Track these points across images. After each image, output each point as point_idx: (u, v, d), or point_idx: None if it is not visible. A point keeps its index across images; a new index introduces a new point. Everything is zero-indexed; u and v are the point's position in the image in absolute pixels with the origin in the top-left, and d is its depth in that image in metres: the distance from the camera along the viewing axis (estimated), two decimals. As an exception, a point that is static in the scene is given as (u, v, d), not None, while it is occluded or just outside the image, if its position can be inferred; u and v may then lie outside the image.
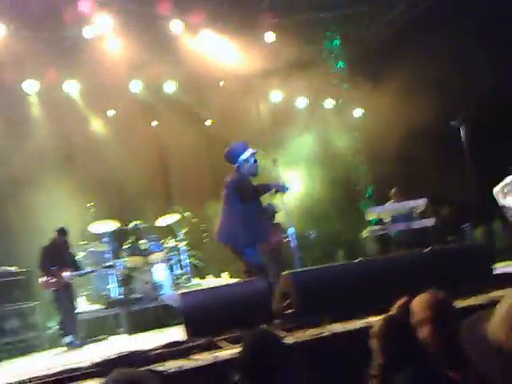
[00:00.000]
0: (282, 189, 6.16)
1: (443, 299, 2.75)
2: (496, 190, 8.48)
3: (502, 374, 1.28)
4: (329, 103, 12.30)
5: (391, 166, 10.95)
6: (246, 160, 6.09)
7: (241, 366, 2.50)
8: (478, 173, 8.76)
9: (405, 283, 4.72)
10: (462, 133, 8.52)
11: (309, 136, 11.48)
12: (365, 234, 9.78)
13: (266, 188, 6.20)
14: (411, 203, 8.81)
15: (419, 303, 2.74)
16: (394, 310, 2.96)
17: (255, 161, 6.13)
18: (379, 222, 9.56)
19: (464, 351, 1.84)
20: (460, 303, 4.22)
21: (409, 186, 9.94)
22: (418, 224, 8.76)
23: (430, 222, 8.84)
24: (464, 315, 1.59)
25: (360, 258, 6.33)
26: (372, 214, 9.31)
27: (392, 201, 9.63)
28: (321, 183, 11.36)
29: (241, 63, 10.54)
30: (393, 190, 9.71)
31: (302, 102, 12.11)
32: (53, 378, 4.01)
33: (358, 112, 12.29)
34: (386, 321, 2.74)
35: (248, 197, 6.06)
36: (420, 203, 8.80)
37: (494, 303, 1.40)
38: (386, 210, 9.17)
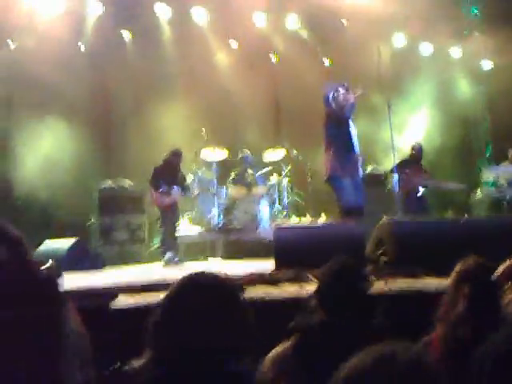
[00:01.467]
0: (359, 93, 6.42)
1: None
2: None
3: None
4: (456, 51, 11.47)
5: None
6: (334, 98, 6.34)
7: (317, 290, 2.48)
8: None
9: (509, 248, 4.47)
10: None
11: (430, 85, 10.85)
12: (478, 195, 9.26)
13: (349, 103, 6.37)
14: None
15: None
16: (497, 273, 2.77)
17: (343, 95, 6.32)
18: (495, 184, 8.95)
19: None
20: None
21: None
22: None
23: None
24: None
25: (466, 216, 6.03)
26: (488, 175, 8.77)
27: (508, 162, 8.96)
28: (437, 135, 10.79)
29: (367, 3, 10.11)
30: (510, 150, 9.01)
31: (426, 48, 11.42)
32: (143, 285, 4.32)
33: (487, 64, 11.38)
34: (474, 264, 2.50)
35: (336, 116, 6.31)
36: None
37: None
38: (505, 172, 8.56)
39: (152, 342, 1.39)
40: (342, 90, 6.42)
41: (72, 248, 6.75)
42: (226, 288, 1.46)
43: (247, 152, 9.17)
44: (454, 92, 11.33)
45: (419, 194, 8.34)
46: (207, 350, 1.34)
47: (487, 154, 11.56)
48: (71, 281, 4.68)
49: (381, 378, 1.06)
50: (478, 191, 9.42)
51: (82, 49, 9.62)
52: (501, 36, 9.99)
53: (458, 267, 2.53)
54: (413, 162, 8.56)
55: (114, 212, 8.38)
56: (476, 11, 11.58)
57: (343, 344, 2.23)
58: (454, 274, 2.51)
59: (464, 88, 11.41)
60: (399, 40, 11.27)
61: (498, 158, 10.09)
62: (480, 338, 1.61)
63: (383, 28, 10.70)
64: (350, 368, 1.10)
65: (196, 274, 1.49)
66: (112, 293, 4.07)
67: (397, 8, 10.19)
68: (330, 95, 6.42)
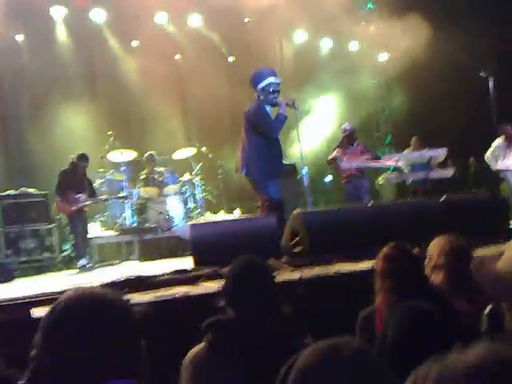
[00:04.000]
0: (291, 105, 6.03)
1: (461, 245, 2.72)
2: (487, 155, 8.78)
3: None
4: (354, 45, 11.98)
5: (413, 114, 10.75)
6: (263, 89, 5.92)
7: (224, 292, 2.44)
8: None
9: (415, 230, 4.76)
10: (491, 84, 8.28)
11: (331, 78, 11.24)
12: (381, 180, 9.73)
13: (281, 121, 6.02)
14: (430, 152, 8.66)
15: (436, 247, 2.71)
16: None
17: (274, 91, 5.92)
18: (397, 169, 9.47)
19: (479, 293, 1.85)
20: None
21: (432, 135, 9.73)
22: (436, 174, 8.63)
23: (448, 172, 8.73)
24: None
25: (371, 202, 6.31)
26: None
27: (411, 148, 9.51)
28: (340, 126, 11.24)
29: (268, 1, 10.29)
30: (413, 138, 9.61)
31: (326, 44, 11.84)
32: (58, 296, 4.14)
33: (383, 56, 11.98)
34: (395, 246, 2.68)
35: (264, 134, 6.00)
36: (440, 153, 8.63)
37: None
38: (407, 158, 9.04)
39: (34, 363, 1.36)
40: (272, 79, 6.05)
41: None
42: (111, 307, 1.42)
43: (154, 152, 9.03)
44: (354, 84, 11.80)
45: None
46: (90, 369, 1.31)
47: (387, 142, 12.19)
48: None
49: (327, 377, 1.05)
50: (381, 177, 9.90)
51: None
52: (394, 28, 10.54)
53: (383, 250, 2.69)
54: (347, 145, 8.66)
55: (20, 221, 7.97)
56: (370, 5, 12.13)
57: (255, 340, 2.26)
58: (380, 256, 2.66)
59: (363, 80, 11.91)
60: (300, 36, 11.58)
61: (398, 145, 10.64)
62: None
63: (285, 25, 10.94)
64: (296, 370, 1.08)
65: (78, 294, 1.45)
66: (26, 305, 3.87)
67: (297, 5, 10.46)
68: (262, 83, 5.98)
